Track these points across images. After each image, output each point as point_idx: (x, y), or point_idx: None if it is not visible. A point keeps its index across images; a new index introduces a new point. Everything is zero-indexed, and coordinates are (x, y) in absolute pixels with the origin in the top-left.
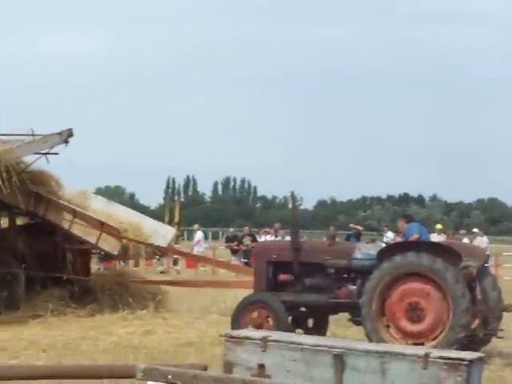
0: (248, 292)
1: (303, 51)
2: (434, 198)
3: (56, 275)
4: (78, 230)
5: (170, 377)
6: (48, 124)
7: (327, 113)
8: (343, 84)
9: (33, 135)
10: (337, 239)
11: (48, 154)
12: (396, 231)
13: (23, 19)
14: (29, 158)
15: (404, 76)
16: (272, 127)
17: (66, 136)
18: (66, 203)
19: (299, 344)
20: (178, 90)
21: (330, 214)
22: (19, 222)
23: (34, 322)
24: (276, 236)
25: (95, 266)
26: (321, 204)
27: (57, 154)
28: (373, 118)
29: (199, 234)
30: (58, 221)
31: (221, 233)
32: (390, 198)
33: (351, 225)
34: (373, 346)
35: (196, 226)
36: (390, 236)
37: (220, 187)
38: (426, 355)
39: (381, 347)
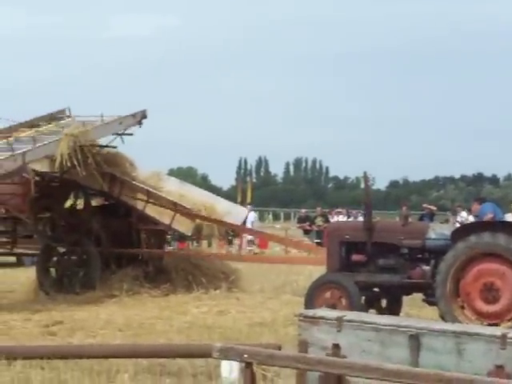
0: (321, 272)
1: (374, 28)
2: (508, 178)
3: (131, 255)
4: (152, 210)
5: (245, 356)
6: (122, 105)
7: (399, 91)
8: (413, 61)
9: (101, 117)
10: (410, 219)
11: (123, 134)
12: (470, 210)
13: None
14: (103, 140)
15: (476, 51)
16: (344, 106)
17: (139, 117)
18: (140, 184)
19: (374, 324)
20: (250, 69)
21: (402, 194)
22: (94, 203)
23: (110, 302)
24: (349, 216)
25: (169, 246)
26: (393, 184)
27: (131, 134)
28: (446, 95)
29: (251, 216)
30: (132, 202)
31: (293, 213)
32: (463, 177)
33: (424, 205)
34: (449, 327)
35: (249, 207)
36: (464, 216)
37: (292, 168)
38: (504, 336)
39: (457, 327)
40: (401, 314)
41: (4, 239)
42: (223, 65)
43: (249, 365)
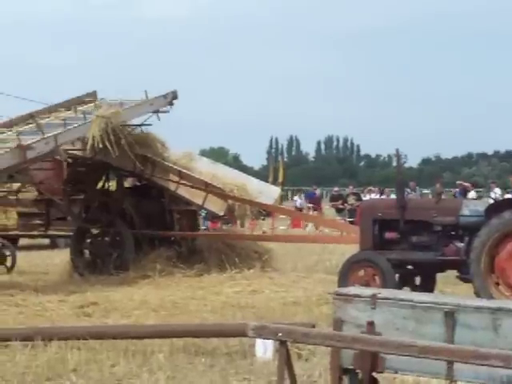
0: (354, 250)
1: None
2: None
3: (164, 236)
4: (184, 191)
5: (280, 334)
6: (153, 86)
7: (433, 67)
8: (445, 36)
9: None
10: (443, 196)
11: (158, 112)
12: (504, 188)
13: None
14: (135, 121)
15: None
16: (375, 85)
17: (170, 98)
18: (172, 165)
19: (409, 301)
20: (281, 48)
21: (435, 171)
22: (127, 184)
23: (144, 283)
24: (381, 194)
25: (201, 226)
26: (425, 161)
27: (167, 112)
28: (479, 72)
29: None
30: (164, 182)
31: (324, 192)
32: (496, 153)
33: (458, 182)
34: (485, 303)
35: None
36: (497, 192)
37: (323, 146)
38: None
39: (493, 304)
40: (435, 292)
41: (38, 221)
42: (255, 44)
43: (283, 343)
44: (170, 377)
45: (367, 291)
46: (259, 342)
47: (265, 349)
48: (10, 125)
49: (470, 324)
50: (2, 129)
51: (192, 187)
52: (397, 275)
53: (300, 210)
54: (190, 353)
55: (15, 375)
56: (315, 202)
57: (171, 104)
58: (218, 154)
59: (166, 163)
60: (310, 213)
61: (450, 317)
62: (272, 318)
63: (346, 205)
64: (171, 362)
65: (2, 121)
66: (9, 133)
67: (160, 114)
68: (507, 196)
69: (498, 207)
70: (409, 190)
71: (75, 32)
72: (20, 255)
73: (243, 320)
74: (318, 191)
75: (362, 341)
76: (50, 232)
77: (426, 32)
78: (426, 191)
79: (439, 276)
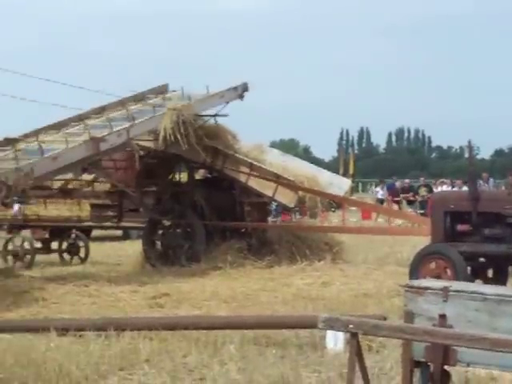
0: (425, 242)
1: None
2: None
3: (234, 227)
4: (255, 183)
5: (351, 326)
6: (226, 77)
7: (502, 56)
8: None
9: (206, 90)
10: None
11: (219, 116)
12: None
13: None
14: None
15: None
16: (447, 76)
17: (241, 90)
18: (242, 157)
19: (482, 294)
20: (351, 40)
21: (508, 163)
22: (198, 176)
23: (215, 274)
24: (453, 186)
25: (272, 218)
26: (498, 153)
27: (226, 115)
28: None
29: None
30: (235, 174)
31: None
32: None
33: None
34: None
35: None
36: None
37: (394, 138)
38: None
39: None
40: (507, 285)
41: (111, 213)
42: (325, 36)
43: (354, 335)
44: (240, 368)
45: (438, 284)
46: (330, 333)
47: (335, 341)
48: (80, 118)
49: None
50: (72, 123)
51: (262, 179)
52: (469, 268)
53: (382, 201)
54: (261, 344)
55: (89, 365)
56: (395, 193)
57: (242, 96)
58: (288, 146)
59: (237, 155)
60: (390, 205)
61: None
62: (343, 310)
63: (417, 197)
64: (242, 353)
65: (73, 114)
66: (79, 126)
67: (231, 106)
68: None
69: None
70: (481, 181)
71: (145, 24)
72: (93, 246)
73: (314, 312)
74: (397, 183)
75: (433, 334)
76: (123, 223)
77: (494, 19)
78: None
79: None
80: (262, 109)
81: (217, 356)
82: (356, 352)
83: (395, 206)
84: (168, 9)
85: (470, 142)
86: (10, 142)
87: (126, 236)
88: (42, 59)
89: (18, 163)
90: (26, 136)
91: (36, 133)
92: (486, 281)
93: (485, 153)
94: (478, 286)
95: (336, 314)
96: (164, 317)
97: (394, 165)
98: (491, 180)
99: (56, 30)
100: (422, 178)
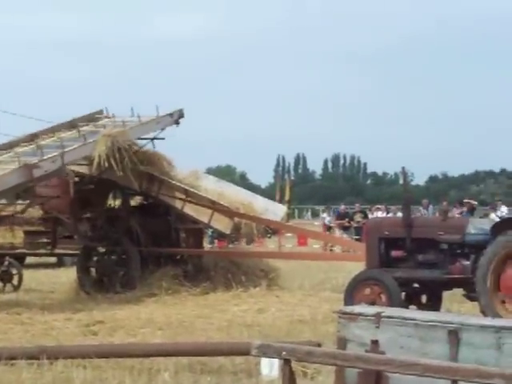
0: (360, 268)
1: (402, 21)
2: None
3: (170, 254)
4: (191, 209)
5: (284, 353)
6: (163, 104)
7: (435, 85)
8: (447, 53)
9: (139, 117)
10: (449, 214)
11: (156, 139)
12: (510, 205)
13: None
14: (140, 140)
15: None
16: (381, 103)
17: (177, 117)
18: (178, 183)
19: (413, 320)
20: (286, 66)
21: (442, 189)
22: (133, 202)
23: (150, 301)
24: (388, 212)
25: (208, 245)
26: (432, 179)
27: (163, 139)
28: (485, 91)
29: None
30: (170, 201)
31: (321, 210)
32: (503, 171)
33: (465, 200)
34: (489, 321)
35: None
36: (504, 210)
37: (330, 164)
38: None
39: (497, 322)
40: (441, 310)
41: (44, 240)
42: (258, 63)
43: (287, 362)
44: None
45: (371, 310)
46: (265, 360)
47: (270, 367)
48: (10, 146)
49: (474, 343)
50: (1, 150)
51: (198, 205)
52: (403, 293)
53: (329, 227)
54: (196, 371)
55: None
56: (343, 219)
57: (177, 123)
58: (224, 172)
59: (173, 181)
60: (336, 231)
61: (454, 335)
62: (278, 336)
63: (352, 222)
64: (176, 380)
65: (3, 141)
66: (9, 154)
67: (166, 132)
68: None
69: (503, 225)
70: (421, 207)
71: (83, 49)
72: (26, 273)
73: (249, 338)
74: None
75: (365, 359)
76: (57, 250)
77: (431, 48)
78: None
79: (446, 294)
80: (198, 135)
81: None
82: (289, 379)
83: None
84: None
85: (403, 168)
86: None
87: (60, 263)
88: None
89: None
90: None
91: None
92: (420, 306)
93: (419, 179)
94: (409, 312)
95: (271, 340)
96: (98, 344)
97: (330, 191)
98: (431, 206)
99: None
100: (357, 204)
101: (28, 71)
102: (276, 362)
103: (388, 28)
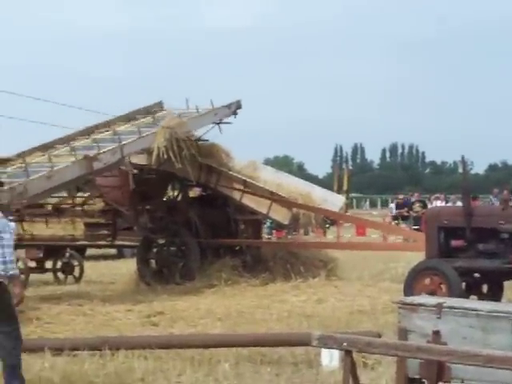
0: (419, 259)
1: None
2: None
3: (229, 245)
4: (249, 200)
5: (344, 344)
6: (218, 95)
7: (497, 72)
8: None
9: (197, 109)
10: (510, 203)
11: (220, 123)
12: None
13: None
14: (199, 131)
15: None
16: (440, 91)
17: (234, 108)
18: (236, 174)
19: (475, 310)
20: (346, 55)
21: (502, 177)
22: (192, 194)
23: (209, 292)
24: (447, 202)
25: (266, 235)
26: (492, 168)
27: (229, 123)
28: None
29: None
30: (229, 192)
31: (390, 200)
32: None
33: None
34: None
35: None
36: None
37: (388, 154)
38: None
39: None
40: (502, 300)
41: (105, 232)
42: (319, 52)
43: (348, 353)
44: None
45: (432, 300)
46: (325, 351)
47: (331, 358)
48: (66, 140)
49: None
50: (58, 145)
51: (257, 196)
52: (463, 283)
53: (396, 217)
54: (256, 362)
55: None
56: (402, 208)
57: (235, 114)
58: (282, 163)
59: (231, 173)
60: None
61: None
62: (337, 327)
63: (411, 212)
64: (237, 371)
65: (61, 135)
66: (66, 148)
67: (224, 124)
68: None
69: None
70: (491, 196)
71: (139, 43)
72: (87, 265)
73: (309, 329)
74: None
75: (426, 350)
76: (117, 242)
77: (492, 36)
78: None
79: (507, 284)
80: (255, 126)
81: (211, 374)
82: (350, 369)
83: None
84: (153, 28)
85: (463, 157)
86: (2, 161)
87: (120, 255)
88: (29, 78)
89: (10, 183)
90: (17, 157)
91: (24, 154)
92: (481, 296)
93: (479, 167)
94: (471, 303)
95: (331, 331)
96: (158, 335)
97: (388, 181)
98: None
99: (44, 49)
100: (416, 194)
101: (80, 65)
102: (336, 353)
103: (450, 15)
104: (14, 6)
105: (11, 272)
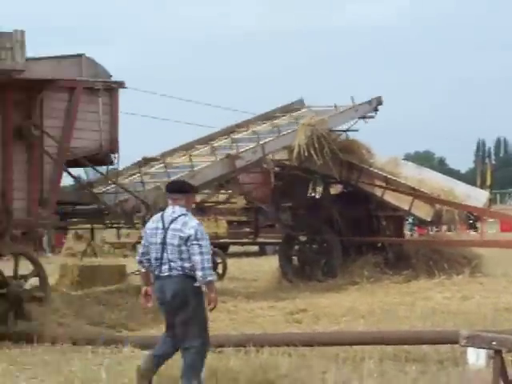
0: None
1: None
2: None
3: (371, 242)
4: (391, 197)
5: (493, 343)
6: (358, 91)
7: None
8: None
9: (335, 106)
10: None
11: (364, 118)
12: None
13: None
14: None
15: None
16: None
17: (375, 104)
18: (377, 171)
19: None
20: (484, 48)
21: None
22: (333, 191)
23: (352, 289)
24: None
25: (408, 232)
26: None
27: (372, 117)
28: None
29: None
30: (370, 189)
31: None
32: None
33: None
34: None
35: None
36: None
37: None
38: None
39: None
40: None
41: (247, 229)
42: (458, 46)
43: (498, 352)
44: None
45: None
46: (471, 349)
47: (477, 356)
48: (207, 140)
49: None
50: (199, 146)
51: (398, 192)
52: None
53: None
54: (400, 360)
55: (229, 380)
56: None
57: (376, 110)
58: (423, 158)
59: (372, 169)
60: None
61: None
62: (483, 324)
63: None
64: (381, 368)
65: (210, 133)
66: (206, 148)
67: (365, 120)
68: None
69: None
70: None
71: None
72: (230, 262)
73: (454, 327)
74: None
75: None
76: (259, 239)
77: None
78: None
79: None
80: (395, 121)
81: (356, 372)
82: (500, 370)
83: None
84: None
85: None
86: (148, 161)
87: (262, 252)
88: (175, 78)
89: (154, 183)
90: (160, 157)
91: (165, 155)
92: None
93: None
94: None
95: (477, 329)
96: (302, 333)
97: None
98: None
99: (187, 49)
100: None
101: (219, 65)
102: (483, 351)
103: None
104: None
105: (209, 278)
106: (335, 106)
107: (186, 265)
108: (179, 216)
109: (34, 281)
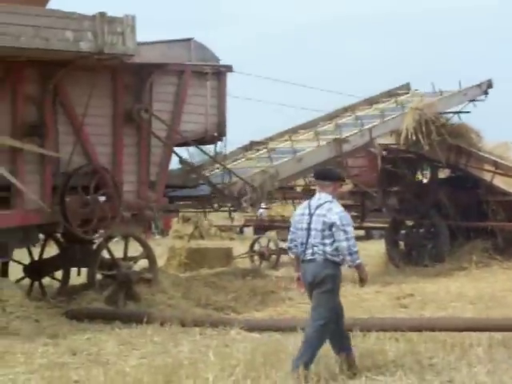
0: None
1: None
2: None
3: (480, 227)
4: (501, 181)
5: None
6: (466, 76)
7: None
8: None
9: (440, 91)
10: None
11: (473, 101)
12: None
13: None
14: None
15: None
16: None
17: (485, 87)
18: (486, 155)
19: None
20: None
21: None
22: (441, 175)
23: (460, 274)
24: None
25: None
26: None
27: (482, 101)
28: None
29: None
30: (479, 173)
31: None
32: None
33: None
34: None
35: None
36: None
37: None
38: None
39: None
40: None
41: (353, 213)
42: None
43: None
44: (489, 370)
45: None
46: None
47: None
48: (311, 125)
49: None
50: (302, 130)
51: (509, 177)
52: None
53: None
54: (510, 347)
55: (335, 364)
56: None
57: (486, 93)
58: None
59: (481, 153)
60: None
61: None
62: None
63: None
64: (490, 355)
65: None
66: (310, 133)
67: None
68: None
69: None
70: None
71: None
72: None
73: None
74: None
75: None
76: (365, 224)
77: None
78: None
79: None
80: (506, 104)
81: (464, 358)
82: None
83: None
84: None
85: None
86: (256, 145)
87: (368, 236)
88: (283, 63)
89: (265, 165)
90: (272, 139)
91: (270, 139)
92: None
93: None
94: None
95: None
96: (409, 318)
97: None
98: None
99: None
100: None
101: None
102: None
103: None
104: None
105: (357, 261)
106: (441, 92)
107: (328, 249)
108: (325, 202)
109: (142, 262)
